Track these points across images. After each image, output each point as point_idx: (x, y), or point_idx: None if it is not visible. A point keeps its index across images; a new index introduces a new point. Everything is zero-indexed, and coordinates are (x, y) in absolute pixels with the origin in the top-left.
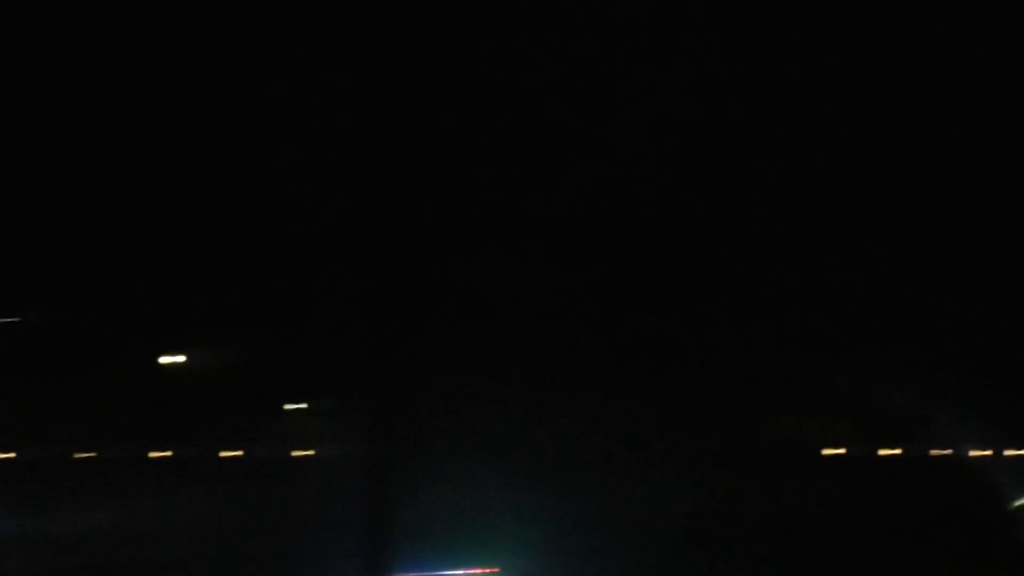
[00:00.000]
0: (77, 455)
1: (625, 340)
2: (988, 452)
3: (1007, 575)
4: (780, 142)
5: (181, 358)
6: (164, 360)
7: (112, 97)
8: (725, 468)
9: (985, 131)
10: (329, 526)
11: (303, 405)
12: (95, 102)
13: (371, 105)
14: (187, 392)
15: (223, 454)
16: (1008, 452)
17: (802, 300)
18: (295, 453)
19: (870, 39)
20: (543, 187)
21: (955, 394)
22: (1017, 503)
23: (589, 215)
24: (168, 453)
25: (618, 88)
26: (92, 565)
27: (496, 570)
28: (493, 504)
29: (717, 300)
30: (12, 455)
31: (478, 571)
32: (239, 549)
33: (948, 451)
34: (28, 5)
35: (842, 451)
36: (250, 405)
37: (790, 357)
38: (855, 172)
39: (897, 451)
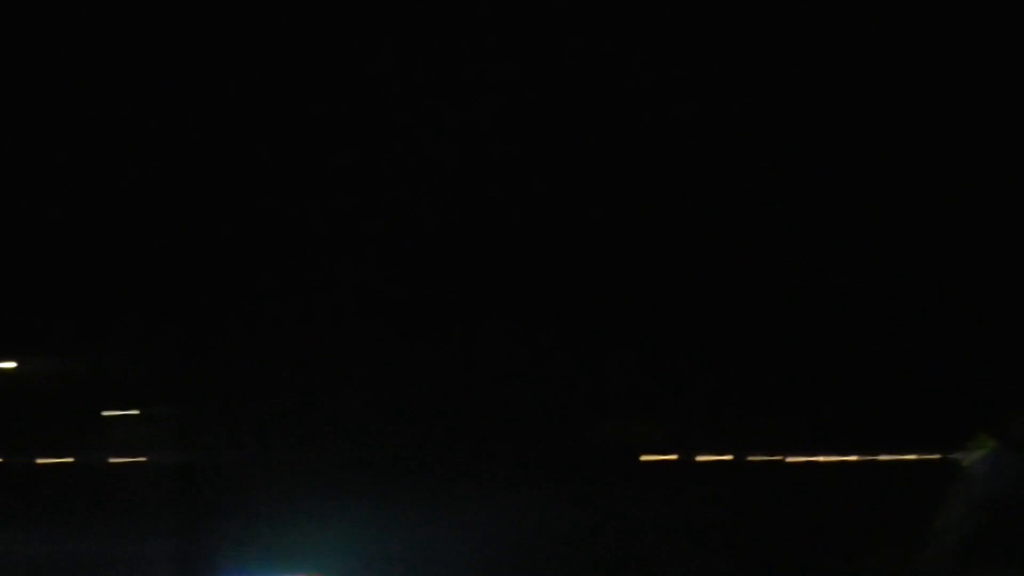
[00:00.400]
0: None
1: (448, 347)
2: (806, 458)
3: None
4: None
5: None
6: None
7: None
8: (546, 474)
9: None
10: (153, 533)
11: (127, 412)
12: None
13: (173, 109)
14: (8, 399)
15: (43, 461)
16: (822, 458)
17: (619, 307)
18: (118, 460)
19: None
20: (358, 192)
21: (773, 400)
22: (968, 457)
23: (404, 219)
24: None
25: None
26: None
27: None
28: (318, 510)
29: (535, 306)
30: None
31: None
32: (61, 556)
33: (768, 457)
34: None
35: (661, 457)
36: (73, 412)
37: (609, 363)
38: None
39: (717, 457)
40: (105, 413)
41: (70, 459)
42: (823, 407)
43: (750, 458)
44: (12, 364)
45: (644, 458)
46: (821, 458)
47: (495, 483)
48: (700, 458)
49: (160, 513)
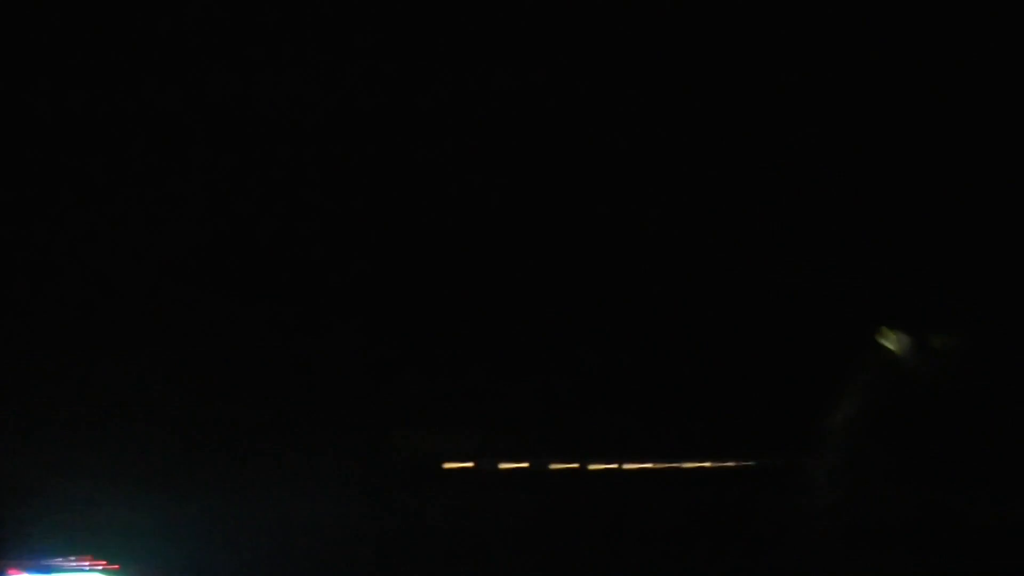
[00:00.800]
0: None
1: (245, 350)
2: (610, 465)
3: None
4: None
5: None
6: None
7: None
8: (350, 480)
9: None
10: None
11: None
12: None
13: None
14: None
15: None
16: (627, 466)
17: (421, 314)
18: None
19: None
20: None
21: (576, 409)
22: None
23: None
24: None
25: None
26: None
27: (117, 567)
28: (102, 497)
29: (339, 312)
30: None
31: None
32: None
33: (572, 464)
34: None
35: (465, 465)
36: None
37: (412, 370)
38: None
39: (522, 464)
40: None
41: None
42: (625, 415)
43: (552, 466)
44: None
45: (447, 466)
46: (625, 466)
47: (290, 486)
48: (502, 465)
49: None
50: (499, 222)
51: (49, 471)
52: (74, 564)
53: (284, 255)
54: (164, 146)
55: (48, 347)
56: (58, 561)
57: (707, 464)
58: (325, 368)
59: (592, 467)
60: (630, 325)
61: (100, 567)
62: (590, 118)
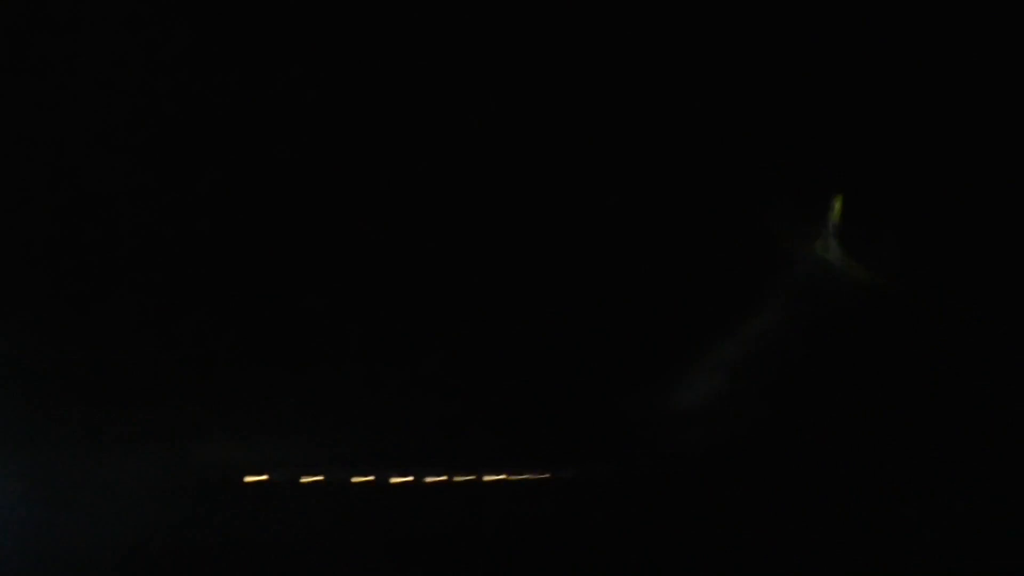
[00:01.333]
0: None
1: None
2: (409, 478)
3: None
4: None
5: None
6: None
7: None
8: (146, 493)
9: None
10: None
11: None
12: None
13: None
14: None
15: None
16: (429, 479)
17: (220, 325)
18: None
19: None
20: None
21: (376, 422)
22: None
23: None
24: None
25: None
26: None
27: None
28: None
29: (134, 312)
30: None
31: None
32: None
33: (369, 478)
34: None
35: (264, 478)
36: None
37: (216, 377)
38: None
39: (319, 478)
40: None
41: None
42: (424, 427)
43: (354, 479)
44: None
45: (248, 479)
46: (426, 479)
47: (99, 501)
48: (304, 479)
49: None
50: (296, 223)
51: None
52: None
53: (78, 250)
54: None
55: None
56: None
57: (501, 477)
58: (117, 370)
59: (393, 480)
60: (440, 324)
61: None
62: None
